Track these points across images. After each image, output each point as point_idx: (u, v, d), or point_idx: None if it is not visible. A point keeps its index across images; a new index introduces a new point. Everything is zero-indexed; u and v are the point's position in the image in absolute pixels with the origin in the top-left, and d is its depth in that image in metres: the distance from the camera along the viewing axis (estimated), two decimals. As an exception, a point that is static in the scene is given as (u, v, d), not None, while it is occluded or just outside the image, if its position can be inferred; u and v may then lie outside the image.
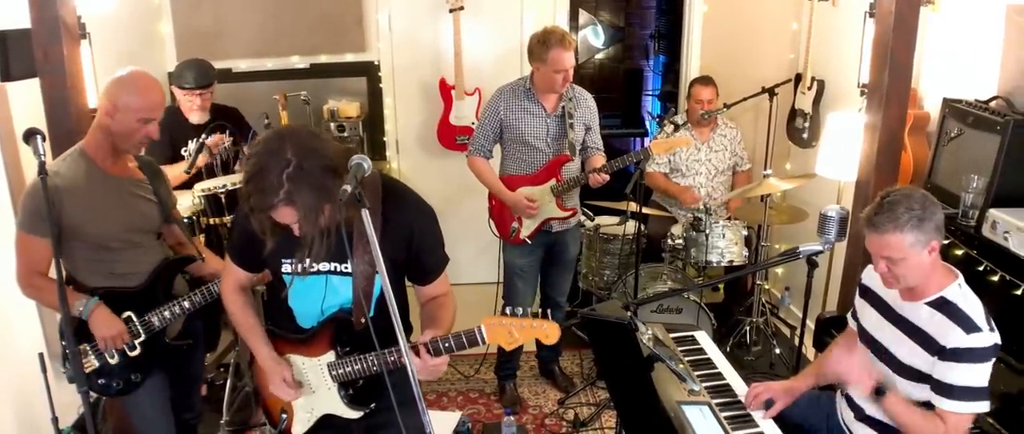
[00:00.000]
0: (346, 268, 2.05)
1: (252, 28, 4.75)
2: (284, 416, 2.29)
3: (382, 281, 1.80)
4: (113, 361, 2.55)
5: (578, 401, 3.98)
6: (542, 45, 3.40)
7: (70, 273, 2.58)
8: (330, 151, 1.83)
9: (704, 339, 2.98)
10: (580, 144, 3.68)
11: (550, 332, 1.93)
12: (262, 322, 2.29)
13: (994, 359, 2.11)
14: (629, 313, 2.18)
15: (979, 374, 2.09)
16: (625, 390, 2.39)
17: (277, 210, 1.80)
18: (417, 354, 1.96)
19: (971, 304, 2.14)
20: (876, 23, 3.15)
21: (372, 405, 2.19)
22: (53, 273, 2.50)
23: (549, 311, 4.13)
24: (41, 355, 2.77)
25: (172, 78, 3.83)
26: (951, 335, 2.10)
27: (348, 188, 1.77)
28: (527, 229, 3.68)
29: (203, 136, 3.56)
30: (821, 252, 2.34)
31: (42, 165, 2.28)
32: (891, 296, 2.31)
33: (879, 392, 2.22)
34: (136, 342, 2.57)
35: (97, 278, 2.55)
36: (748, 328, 4.31)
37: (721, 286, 4.78)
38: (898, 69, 3.05)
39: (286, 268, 2.06)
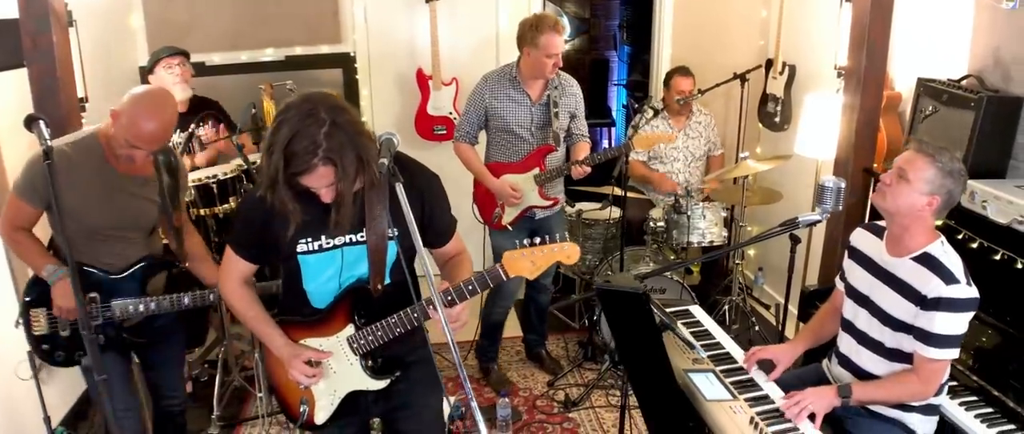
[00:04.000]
0: (360, 237, 2.06)
1: (225, 20, 4.69)
2: (304, 408, 2.24)
3: (416, 242, 1.84)
4: (64, 333, 2.58)
5: (567, 382, 4.05)
6: (535, 29, 3.45)
7: (56, 240, 2.61)
8: (354, 111, 1.89)
9: (699, 312, 3.08)
10: (565, 132, 3.73)
11: (570, 252, 1.96)
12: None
13: (972, 313, 2.26)
14: (644, 284, 2.25)
15: (957, 323, 2.24)
16: (640, 357, 2.47)
17: (314, 171, 1.80)
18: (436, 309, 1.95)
19: (952, 260, 2.29)
20: (853, 7, 3.29)
21: (397, 373, 2.20)
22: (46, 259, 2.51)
23: (534, 295, 4.17)
24: (30, 354, 2.72)
25: (150, 62, 3.76)
26: (931, 284, 2.25)
27: (385, 162, 1.81)
28: (509, 216, 3.72)
29: (192, 127, 3.52)
30: (819, 221, 2.45)
31: (49, 151, 2.23)
32: (878, 254, 2.46)
33: (845, 396, 2.36)
34: (92, 325, 2.53)
35: (79, 256, 2.52)
36: (727, 307, 4.44)
37: (696, 268, 4.91)
38: (875, 51, 3.20)
39: (302, 248, 2.05)
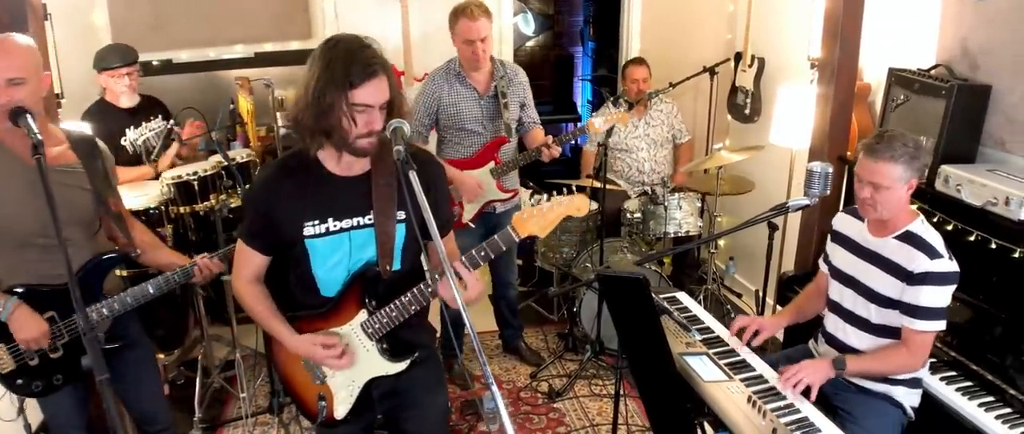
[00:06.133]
0: (368, 220, 2.06)
1: (193, 17, 4.62)
2: (322, 404, 2.21)
3: (429, 225, 1.83)
4: (33, 363, 2.35)
5: (549, 374, 4.09)
6: (452, 19, 3.47)
7: None
8: None
9: (686, 299, 3.15)
10: (516, 122, 3.70)
11: (580, 204, 2.01)
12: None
13: (955, 286, 2.37)
14: (642, 271, 2.29)
15: (941, 296, 2.35)
16: (640, 341, 2.51)
17: (375, 78, 1.89)
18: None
19: (933, 236, 2.41)
20: (826, 0, 3.39)
21: (416, 354, 2.18)
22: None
23: (502, 292, 4.13)
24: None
25: (98, 66, 3.70)
26: (917, 260, 2.35)
27: (401, 149, 1.82)
28: (469, 213, 3.68)
29: (171, 123, 3.45)
30: (809, 205, 2.53)
31: (39, 145, 2.15)
32: (860, 235, 2.56)
33: (840, 368, 2.44)
34: (59, 344, 2.36)
35: (19, 277, 2.33)
36: (703, 296, 4.52)
37: (668, 259, 4.99)
38: (847, 42, 3.30)
39: (309, 231, 2.04)
